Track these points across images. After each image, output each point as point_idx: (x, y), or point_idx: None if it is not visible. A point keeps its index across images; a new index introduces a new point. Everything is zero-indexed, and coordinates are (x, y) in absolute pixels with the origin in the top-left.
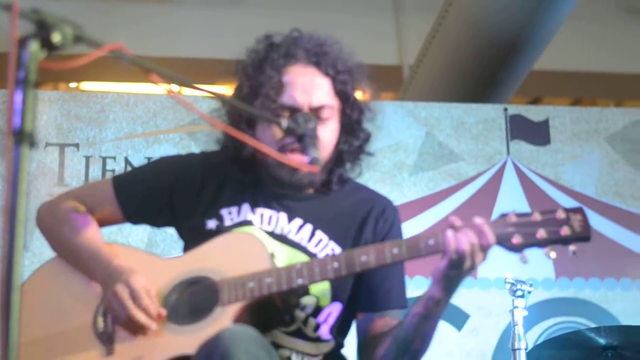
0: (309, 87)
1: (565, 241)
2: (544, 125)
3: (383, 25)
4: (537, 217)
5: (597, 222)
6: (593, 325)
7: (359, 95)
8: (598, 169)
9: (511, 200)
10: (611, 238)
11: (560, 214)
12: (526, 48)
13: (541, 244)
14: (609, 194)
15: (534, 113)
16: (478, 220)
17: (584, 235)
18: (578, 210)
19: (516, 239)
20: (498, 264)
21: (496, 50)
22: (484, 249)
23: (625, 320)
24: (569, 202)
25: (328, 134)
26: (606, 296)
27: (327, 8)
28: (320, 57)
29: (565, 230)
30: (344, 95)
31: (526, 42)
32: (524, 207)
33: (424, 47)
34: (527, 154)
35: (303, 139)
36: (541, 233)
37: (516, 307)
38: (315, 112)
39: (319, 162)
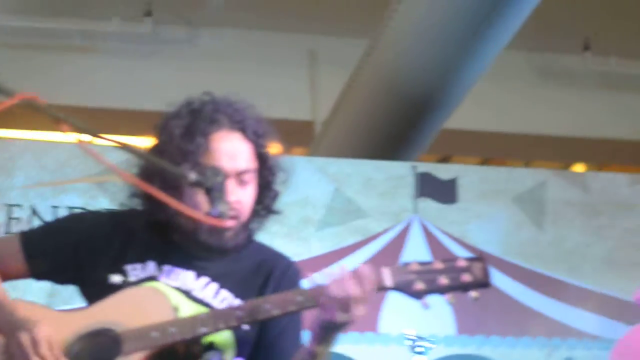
0: (234, 152)
1: (467, 287)
2: (452, 183)
3: (297, 81)
4: (438, 265)
5: (501, 281)
6: None
7: (273, 156)
8: (504, 228)
9: (416, 257)
10: (513, 297)
11: (461, 262)
12: (438, 107)
13: (443, 290)
14: (513, 254)
15: (443, 171)
16: (363, 269)
17: (485, 281)
18: (478, 259)
19: (418, 286)
20: (400, 319)
21: (408, 108)
22: (365, 299)
23: None
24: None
25: (248, 197)
26: (506, 354)
27: (243, 63)
28: (242, 123)
29: (466, 277)
30: (262, 158)
31: (438, 101)
32: None
33: (336, 103)
34: (434, 211)
35: (211, 192)
36: (443, 280)
37: None
38: (239, 177)
39: (225, 216)
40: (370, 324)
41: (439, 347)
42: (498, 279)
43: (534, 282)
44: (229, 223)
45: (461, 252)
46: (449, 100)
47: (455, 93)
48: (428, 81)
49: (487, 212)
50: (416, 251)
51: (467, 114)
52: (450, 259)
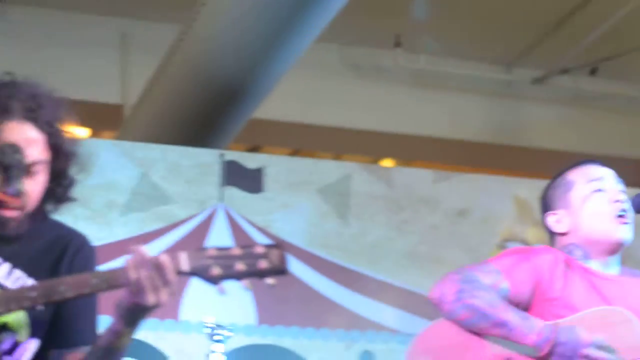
0: (24, 144)
1: (264, 274)
2: (258, 173)
3: (108, 64)
4: (236, 251)
5: (303, 271)
6: None
7: (69, 142)
8: (308, 219)
9: (220, 244)
10: (315, 288)
11: (259, 249)
12: (247, 96)
13: (239, 276)
14: (317, 245)
15: (250, 160)
16: (161, 256)
17: (281, 268)
18: (276, 246)
19: (215, 271)
20: (201, 307)
21: (217, 96)
22: (167, 283)
23: None
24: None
25: (36, 187)
26: (306, 345)
27: (53, 43)
28: (36, 112)
29: (263, 263)
30: (56, 149)
31: (247, 90)
32: None
33: (146, 88)
34: (239, 200)
35: (9, 170)
36: (240, 265)
37: (213, 351)
38: (28, 168)
39: (21, 193)
40: (171, 311)
41: (239, 337)
42: (300, 270)
43: (336, 274)
44: (10, 213)
45: (265, 242)
46: (258, 89)
47: (265, 83)
48: (237, 70)
49: (292, 203)
50: (220, 239)
51: (277, 105)
52: (247, 245)
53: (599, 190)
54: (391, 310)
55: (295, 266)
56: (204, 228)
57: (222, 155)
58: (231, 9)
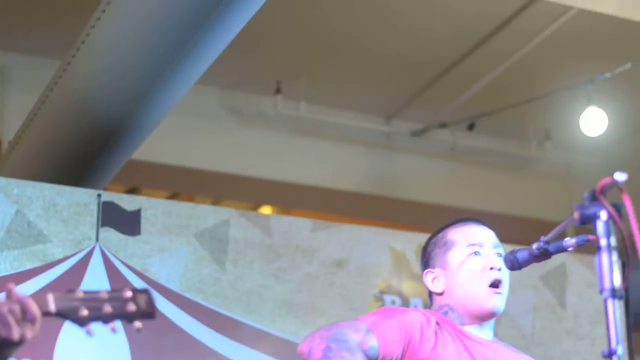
0: None
1: (131, 317)
2: (136, 215)
3: None
4: (104, 294)
5: (179, 317)
6: None
7: None
8: (184, 264)
9: (96, 286)
10: (191, 334)
11: (127, 293)
12: (126, 137)
13: (107, 318)
14: (194, 290)
15: (127, 202)
16: (21, 295)
17: (149, 312)
18: (144, 291)
19: (82, 312)
20: (76, 349)
21: (96, 135)
22: (31, 321)
23: None
24: (153, 295)
25: None
26: None
27: None
28: None
29: (131, 307)
30: None
31: (127, 130)
32: None
33: (24, 123)
34: (116, 242)
35: None
36: (107, 308)
37: None
38: None
39: None
40: (45, 352)
41: None
42: (176, 315)
43: (213, 320)
44: None
45: (141, 286)
46: (138, 130)
47: (144, 124)
48: (117, 110)
49: (169, 247)
50: (96, 281)
51: (156, 147)
52: (116, 289)
53: (476, 254)
54: (267, 359)
55: (172, 311)
56: (80, 269)
57: (99, 195)
58: (112, 48)
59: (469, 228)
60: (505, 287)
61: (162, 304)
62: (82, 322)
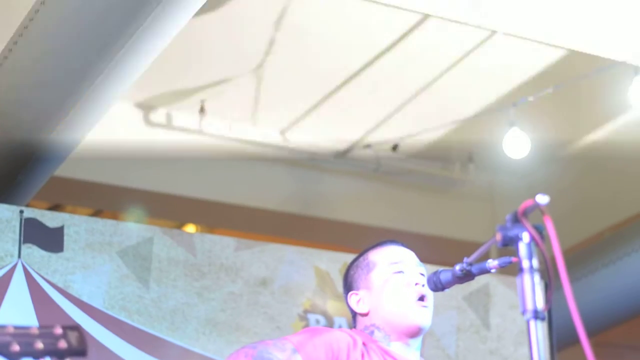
0: None
1: (63, 354)
2: (59, 231)
3: None
4: (34, 330)
5: (103, 335)
6: None
7: None
8: (108, 281)
9: (18, 305)
10: (114, 352)
11: (58, 330)
12: (49, 153)
13: (38, 355)
14: (117, 308)
15: (50, 219)
16: None
17: (80, 349)
18: (75, 328)
19: (14, 348)
20: None
21: (18, 151)
22: None
23: None
24: (76, 312)
25: None
26: None
27: None
28: None
29: (62, 344)
30: None
31: (49, 147)
32: (31, 313)
33: None
34: (38, 259)
35: None
36: (39, 344)
37: None
38: None
39: None
40: None
41: None
42: (100, 333)
43: (137, 338)
44: None
45: (64, 303)
46: (61, 147)
47: (67, 141)
48: (39, 126)
49: (92, 264)
50: (18, 298)
51: (80, 164)
52: (47, 325)
53: (399, 272)
54: None
55: (95, 329)
56: (2, 286)
57: (21, 211)
58: (33, 63)
59: (390, 249)
60: (430, 303)
61: (85, 322)
62: (13, 357)
